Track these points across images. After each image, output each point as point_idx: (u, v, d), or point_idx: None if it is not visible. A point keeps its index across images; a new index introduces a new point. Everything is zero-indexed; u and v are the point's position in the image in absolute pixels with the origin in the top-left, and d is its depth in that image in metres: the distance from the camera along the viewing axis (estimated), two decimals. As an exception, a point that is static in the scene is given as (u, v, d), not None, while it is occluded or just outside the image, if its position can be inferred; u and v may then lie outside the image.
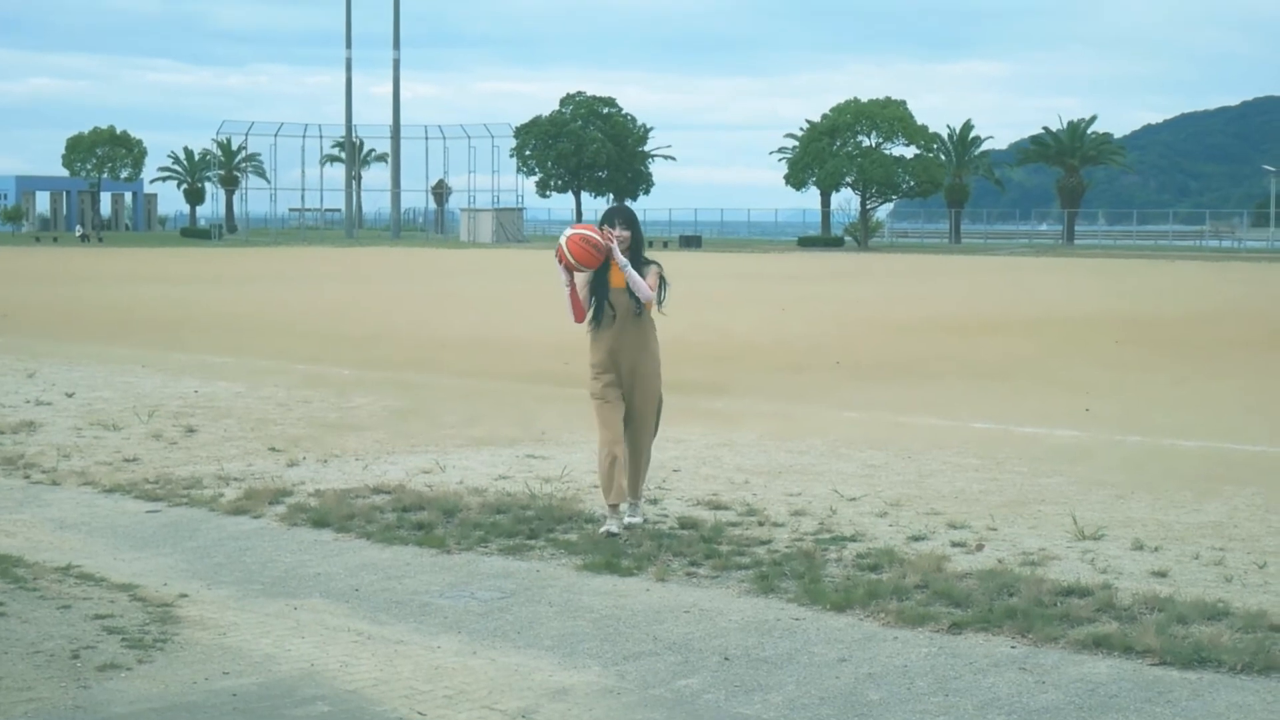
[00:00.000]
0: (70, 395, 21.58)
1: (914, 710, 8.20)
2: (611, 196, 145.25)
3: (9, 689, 8.41)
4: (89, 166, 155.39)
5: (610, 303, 12.27)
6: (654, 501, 13.74)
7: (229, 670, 8.88)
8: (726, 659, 9.17)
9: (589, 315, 12.39)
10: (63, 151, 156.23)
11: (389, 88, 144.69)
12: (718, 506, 13.51)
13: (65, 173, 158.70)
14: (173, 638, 9.51)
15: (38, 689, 8.43)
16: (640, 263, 12.21)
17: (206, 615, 10.11)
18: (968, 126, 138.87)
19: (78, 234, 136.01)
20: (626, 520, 12.41)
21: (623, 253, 12.07)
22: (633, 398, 12.40)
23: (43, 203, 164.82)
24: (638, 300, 12.16)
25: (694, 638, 9.61)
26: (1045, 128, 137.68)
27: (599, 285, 12.25)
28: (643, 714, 8.20)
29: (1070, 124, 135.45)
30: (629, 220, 12.24)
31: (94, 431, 18.16)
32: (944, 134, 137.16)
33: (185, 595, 10.65)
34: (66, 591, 10.54)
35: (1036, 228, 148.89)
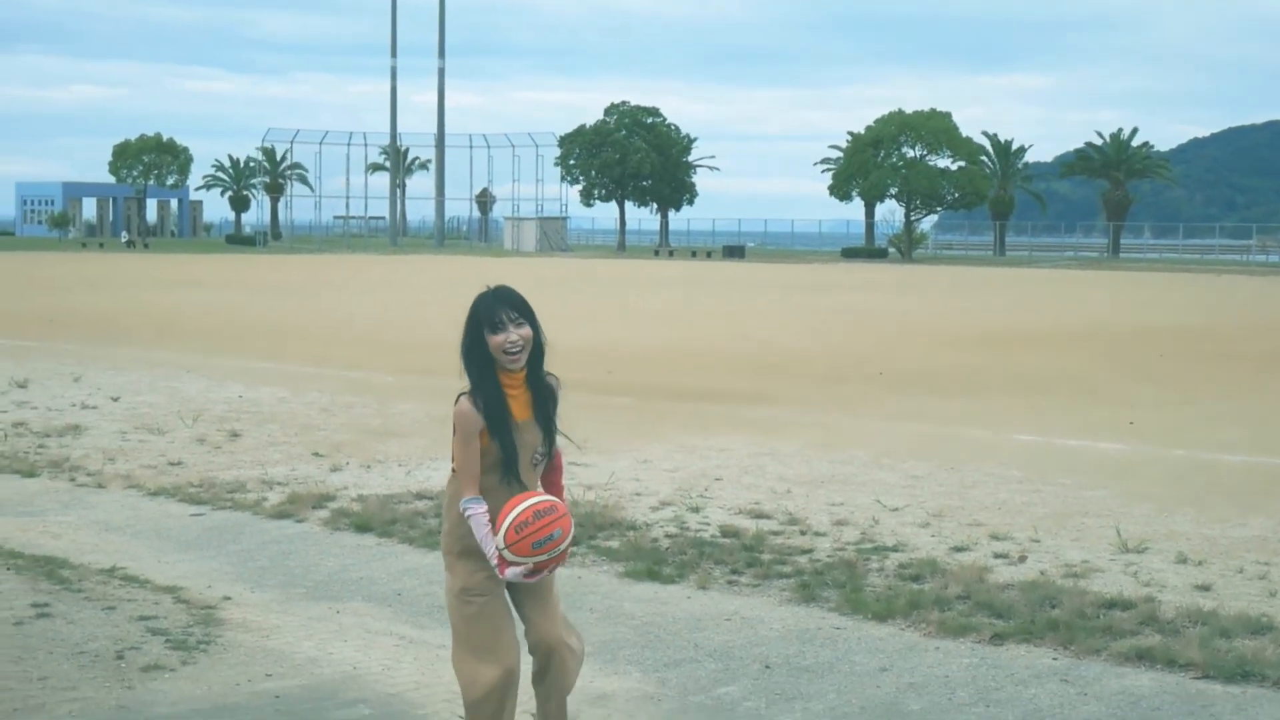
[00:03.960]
0: (116, 399, 21.69)
1: (955, 720, 8.19)
2: (656, 206, 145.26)
3: (54, 688, 8.46)
4: (135, 173, 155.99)
5: (520, 446, 7.09)
6: (696, 510, 13.75)
7: (272, 672, 8.92)
8: (767, 667, 9.17)
9: (497, 469, 7.05)
10: (109, 158, 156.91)
11: (432, 96, 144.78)
12: (759, 515, 13.50)
13: (111, 179, 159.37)
14: (216, 640, 9.56)
15: (82, 689, 8.49)
16: (540, 371, 7.18)
17: (250, 618, 10.16)
18: (1011, 139, 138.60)
19: (124, 240, 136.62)
20: None
21: (520, 356, 7.06)
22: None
23: (89, 209, 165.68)
24: (548, 442, 7.23)
25: (735, 645, 9.61)
26: (1089, 142, 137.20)
27: (500, 417, 7.01)
28: (683, 721, 8.21)
29: (1114, 137, 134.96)
30: (521, 306, 7.08)
31: (139, 435, 18.25)
32: (988, 146, 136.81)
33: (229, 598, 10.71)
34: (111, 593, 10.60)
35: (1082, 241, 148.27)
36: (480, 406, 6.92)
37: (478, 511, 6.86)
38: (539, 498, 6.79)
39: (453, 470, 7.08)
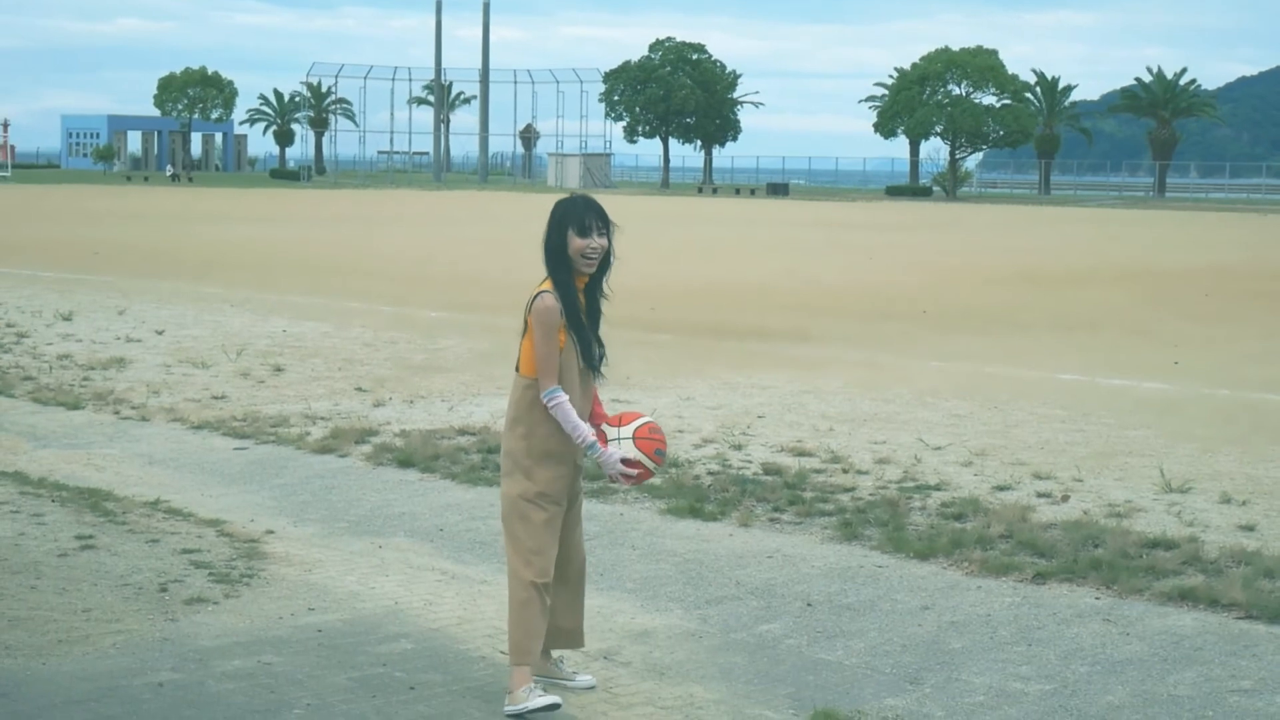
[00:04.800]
0: (160, 333, 21.76)
1: (997, 659, 8.19)
2: (700, 143, 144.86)
3: (99, 620, 8.51)
4: (180, 107, 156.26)
5: (590, 338, 7.47)
6: (738, 447, 13.74)
7: (314, 606, 8.96)
8: (809, 605, 9.17)
9: (574, 366, 7.40)
10: (154, 92, 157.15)
11: (477, 31, 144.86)
12: (802, 453, 13.48)
13: (157, 113, 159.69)
14: (259, 573, 9.59)
15: (126, 621, 8.53)
16: (599, 286, 7.52)
17: (292, 552, 10.20)
18: (1057, 77, 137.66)
19: (168, 174, 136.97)
20: (580, 681, 7.76)
21: (594, 262, 7.40)
22: (574, 488, 7.63)
23: (134, 142, 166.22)
24: (601, 352, 7.52)
25: (776, 583, 9.61)
26: (1137, 78, 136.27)
27: (576, 314, 7.36)
28: (724, 658, 8.22)
29: (1160, 75, 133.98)
30: (605, 218, 7.40)
31: (183, 369, 18.31)
32: (1034, 83, 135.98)
33: (271, 532, 10.74)
34: (155, 526, 10.65)
35: (1127, 180, 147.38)
36: (560, 302, 7.28)
37: (562, 399, 7.23)
38: (645, 416, 7.57)
39: (520, 377, 7.38)
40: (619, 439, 7.36)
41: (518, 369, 7.42)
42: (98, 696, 7.35)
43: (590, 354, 7.41)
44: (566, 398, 7.23)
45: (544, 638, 7.46)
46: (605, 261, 7.46)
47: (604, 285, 7.56)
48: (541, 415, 7.32)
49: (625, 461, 7.33)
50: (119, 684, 7.53)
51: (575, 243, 7.28)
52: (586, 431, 7.25)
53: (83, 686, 7.49)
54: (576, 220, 7.30)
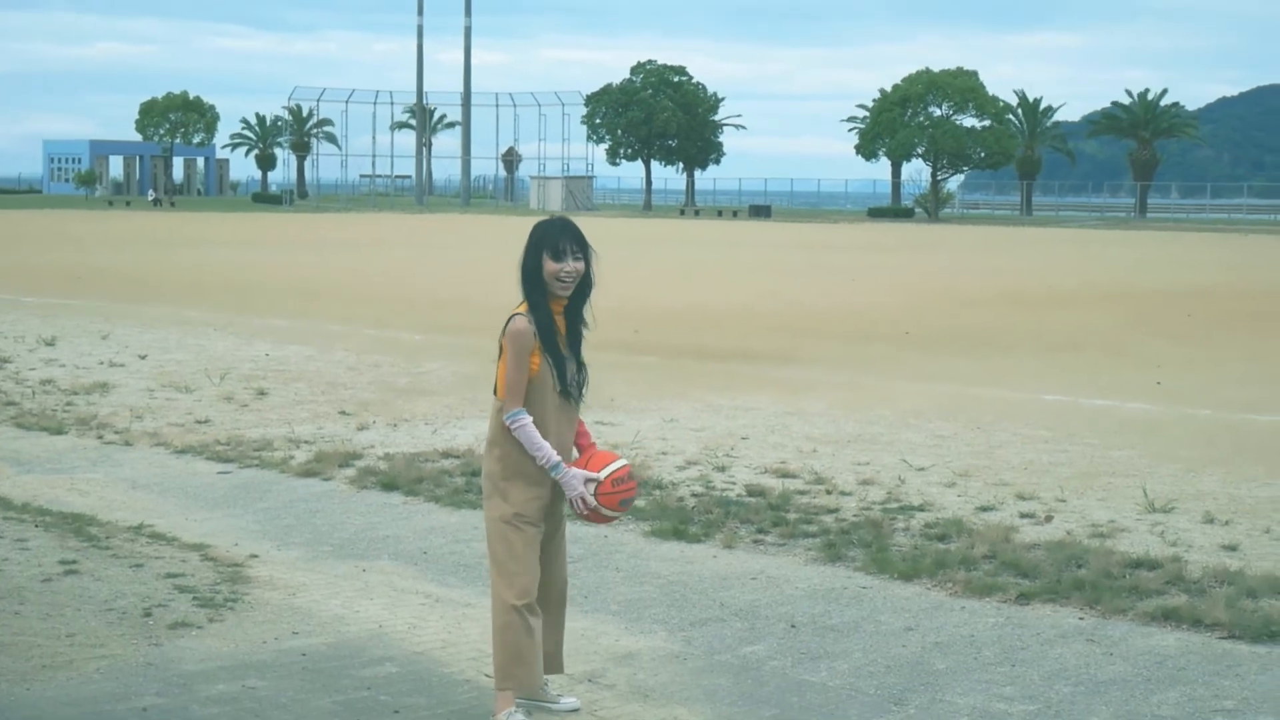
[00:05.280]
0: (143, 357, 21.73)
1: (981, 680, 8.20)
2: (682, 165, 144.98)
3: (83, 645, 8.50)
4: (162, 131, 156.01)
5: (565, 362, 7.42)
6: (722, 469, 13.75)
7: (299, 630, 8.95)
8: (793, 626, 9.18)
9: (550, 390, 7.36)
10: (136, 116, 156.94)
11: (458, 55, 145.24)
12: (785, 474, 13.50)
13: (138, 137, 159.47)
14: (243, 597, 9.59)
15: (110, 645, 8.52)
16: (579, 309, 7.50)
17: (276, 576, 10.19)
18: (1039, 98, 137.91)
19: (150, 198, 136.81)
20: (565, 704, 7.68)
21: (570, 286, 7.38)
22: (555, 511, 7.61)
23: (116, 167, 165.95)
24: (581, 377, 7.50)
25: (760, 605, 9.62)
26: (1115, 102, 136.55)
27: (552, 338, 7.32)
28: (709, 679, 8.23)
29: (1142, 96, 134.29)
30: (582, 242, 7.39)
31: (166, 393, 18.30)
32: (1015, 105, 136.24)
33: (256, 556, 10.74)
34: (139, 550, 10.64)
35: (1109, 201, 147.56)
36: (534, 325, 7.25)
37: (525, 421, 7.20)
38: (620, 460, 7.44)
39: (497, 399, 7.33)
40: (586, 495, 7.30)
41: (495, 392, 7.39)
42: (82, 722, 7.34)
43: (564, 378, 7.37)
44: (529, 420, 7.20)
45: (536, 660, 7.38)
46: (584, 285, 7.44)
47: (586, 310, 7.54)
48: (510, 434, 7.32)
49: (587, 505, 7.30)
50: (103, 709, 7.52)
51: (550, 266, 7.26)
52: (549, 452, 7.23)
53: (67, 712, 7.48)
54: (551, 244, 7.28)
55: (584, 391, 7.53)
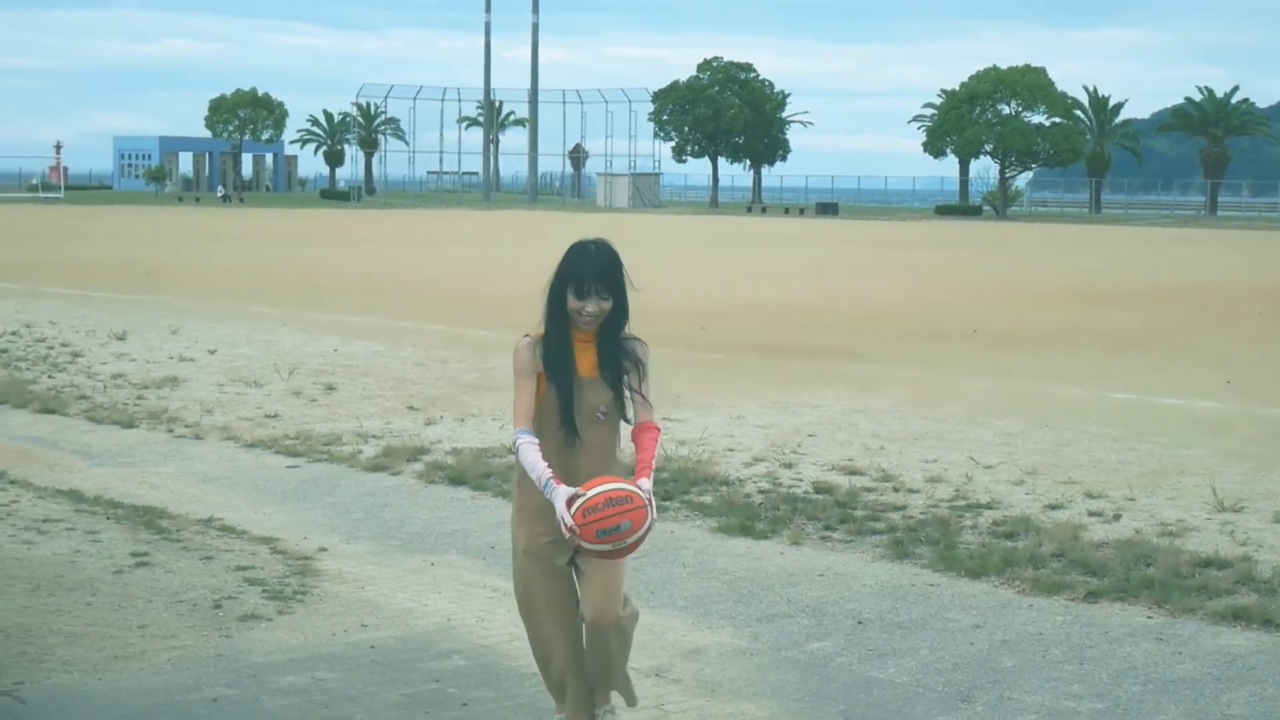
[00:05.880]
0: (213, 352, 21.88)
1: (1048, 678, 8.18)
2: (749, 163, 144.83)
3: (154, 636, 8.58)
4: (231, 128, 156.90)
5: (578, 399, 6.95)
6: (789, 466, 13.75)
7: (367, 623, 9.01)
8: (860, 623, 9.18)
9: (555, 418, 6.96)
10: (205, 113, 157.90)
11: (525, 51, 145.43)
12: (852, 472, 13.49)
13: (208, 134, 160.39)
14: (312, 590, 9.66)
15: (181, 637, 8.60)
16: (615, 338, 6.98)
17: (345, 569, 10.26)
18: (1108, 95, 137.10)
19: (219, 194, 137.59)
20: None
21: (593, 324, 6.93)
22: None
23: (185, 163, 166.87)
24: (619, 397, 7.01)
25: (828, 601, 9.62)
26: (1187, 98, 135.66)
27: (559, 367, 6.94)
28: (776, 675, 8.24)
29: (1211, 94, 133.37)
30: (611, 281, 6.88)
31: (236, 388, 18.42)
32: (1083, 101, 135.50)
33: (325, 549, 10.81)
34: (209, 543, 10.73)
35: (1179, 199, 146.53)
36: (540, 352, 6.88)
37: (525, 440, 6.78)
38: (617, 484, 6.57)
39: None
40: (570, 528, 6.61)
41: None
42: (154, 712, 7.42)
43: (569, 411, 6.85)
44: (529, 439, 6.77)
45: (567, 687, 7.03)
46: (617, 316, 6.90)
47: (619, 337, 6.94)
48: (523, 469, 6.90)
49: (565, 527, 6.58)
50: (175, 699, 7.59)
51: (572, 302, 6.81)
52: (542, 470, 6.67)
53: (139, 702, 7.55)
54: (577, 279, 6.78)
55: (621, 415, 6.98)
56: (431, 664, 8.27)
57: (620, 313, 6.88)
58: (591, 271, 6.79)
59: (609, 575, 6.85)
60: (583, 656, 7.00)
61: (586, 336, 6.89)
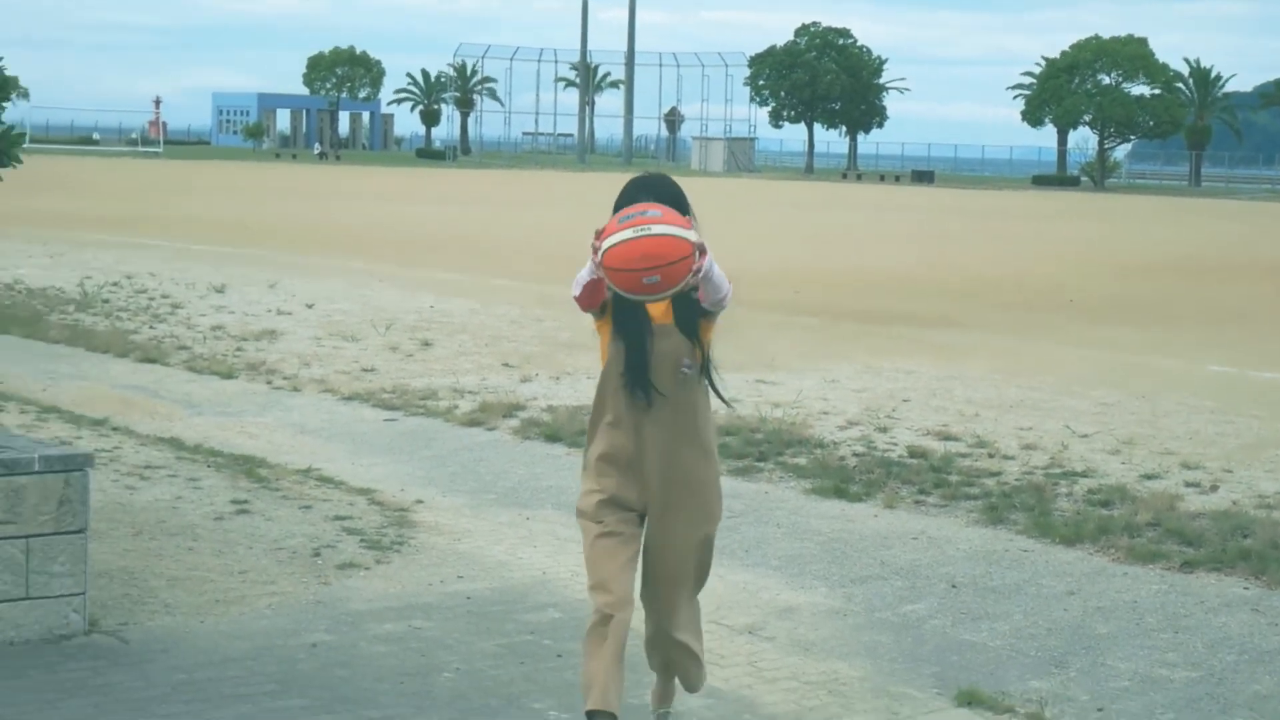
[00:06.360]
0: (310, 306, 22.05)
1: (1143, 645, 8.17)
2: (845, 129, 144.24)
3: (254, 581, 8.69)
4: (328, 86, 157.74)
5: (650, 351, 6.16)
6: (884, 430, 13.74)
7: (463, 574, 9.10)
8: (954, 586, 9.19)
9: (621, 371, 6.16)
10: (303, 70, 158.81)
11: (622, 14, 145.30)
12: (947, 437, 13.47)
13: (305, 91, 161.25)
14: (409, 541, 9.75)
15: (280, 583, 8.71)
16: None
17: (441, 521, 10.35)
18: (1210, 67, 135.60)
19: (316, 152, 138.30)
20: None
21: None
22: (665, 527, 6.36)
23: (283, 120, 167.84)
24: (696, 343, 6.19)
25: (921, 564, 9.64)
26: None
27: (626, 320, 6.16)
28: (869, 636, 8.26)
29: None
30: (672, 198, 6.15)
31: (333, 342, 18.57)
32: (1185, 73, 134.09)
33: (421, 501, 10.90)
34: (307, 493, 10.84)
35: None
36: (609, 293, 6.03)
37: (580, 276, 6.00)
38: (671, 230, 5.80)
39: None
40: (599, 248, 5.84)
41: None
42: (254, 655, 7.52)
43: (639, 367, 6.10)
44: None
45: (600, 679, 6.08)
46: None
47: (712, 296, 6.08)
48: (595, 411, 6.30)
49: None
50: (274, 644, 7.70)
51: None
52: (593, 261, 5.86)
53: (239, 645, 7.66)
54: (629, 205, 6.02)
55: (711, 378, 6.30)
56: (527, 616, 8.34)
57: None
58: (640, 192, 6.14)
59: (681, 555, 6.33)
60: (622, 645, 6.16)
61: None
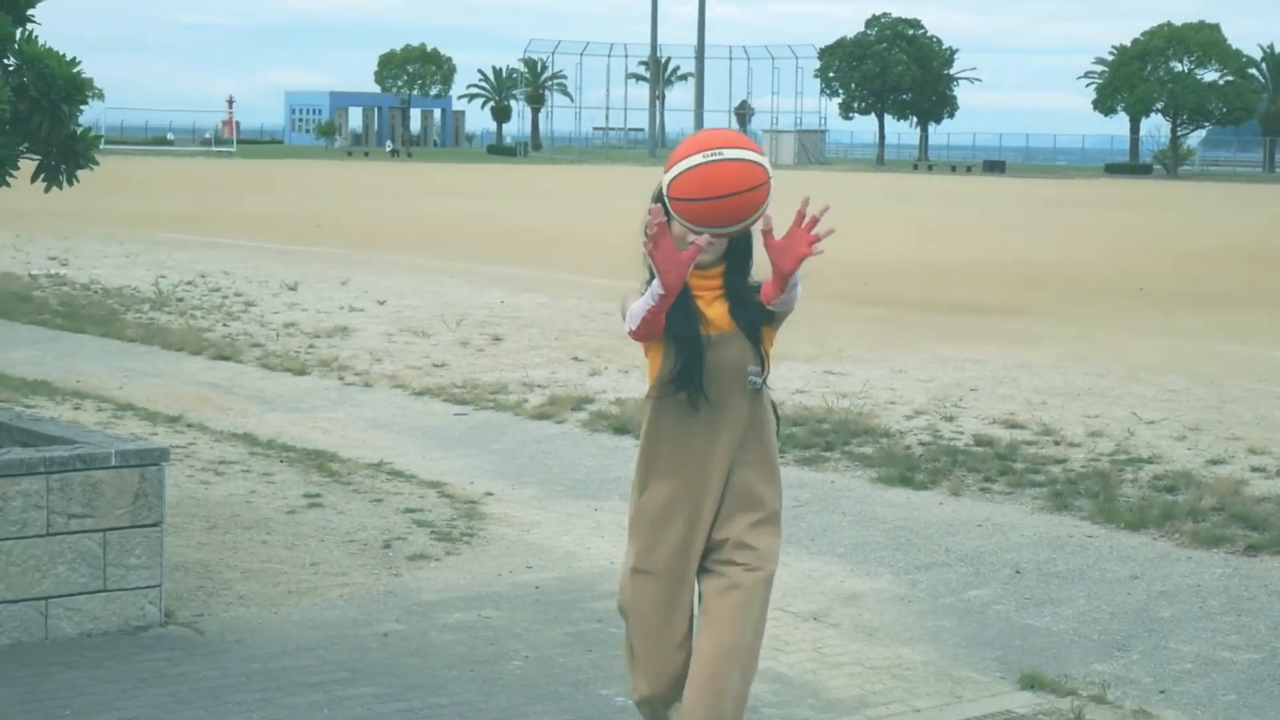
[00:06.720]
0: (381, 303, 22.24)
1: (1206, 628, 8.22)
2: (915, 120, 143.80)
3: (326, 573, 8.85)
4: (400, 83, 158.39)
5: (707, 362, 5.53)
6: (950, 419, 13.80)
7: (532, 565, 9.22)
8: (1018, 572, 9.26)
9: (671, 377, 5.57)
10: (374, 68, 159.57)
11: (690, 8, 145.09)
12: (1013, 425, 13.51)
13: (377, 89, 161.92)
14: (478, 533, 9.89)
15: (352, 575, 8.86)
16: (744, 275, 5.62)
17: (510, 513, 10.48)
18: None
19: (388, 149, 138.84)
20: None
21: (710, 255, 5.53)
22: (720, 564, 5.66)
23: (355, 118, 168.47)
24: (759, 357, 5.61)
25: (985, 551, 9.71)
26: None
27: (681, 323, 5.50)
28: (933, 621, 8.35)
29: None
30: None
31: (404, 337, 18.74)
32: (1259, 59, 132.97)
33: (490, 494, 11.03)
34: (378, 486, 10.99)
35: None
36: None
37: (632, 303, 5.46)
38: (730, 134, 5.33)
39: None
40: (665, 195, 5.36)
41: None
42: (326, 644, 7.67)
43: (693, 376, 5.45)
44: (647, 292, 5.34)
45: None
46: (743, 248, 5.57)
47: (748, 278, 5.58)
48: (647, 442, 5.71)
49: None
50: (346, 633, 7.84)
51: (675, 228, 5.41)
52: (655, 285, 5.28)
53: (312, 635, 7.81)
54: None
55: (761, 384, 5.60)
56: (595, 605, 8.45)
57: (744, 245, 5.56)
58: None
59: (741, 599, 5.54)
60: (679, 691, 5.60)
61: (709, 282, 5.53)
